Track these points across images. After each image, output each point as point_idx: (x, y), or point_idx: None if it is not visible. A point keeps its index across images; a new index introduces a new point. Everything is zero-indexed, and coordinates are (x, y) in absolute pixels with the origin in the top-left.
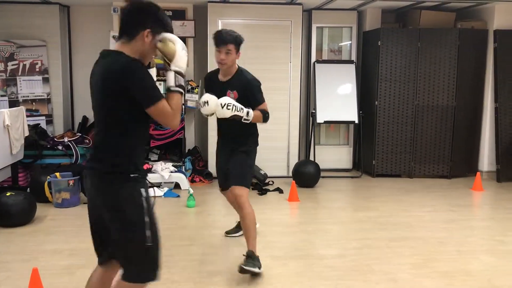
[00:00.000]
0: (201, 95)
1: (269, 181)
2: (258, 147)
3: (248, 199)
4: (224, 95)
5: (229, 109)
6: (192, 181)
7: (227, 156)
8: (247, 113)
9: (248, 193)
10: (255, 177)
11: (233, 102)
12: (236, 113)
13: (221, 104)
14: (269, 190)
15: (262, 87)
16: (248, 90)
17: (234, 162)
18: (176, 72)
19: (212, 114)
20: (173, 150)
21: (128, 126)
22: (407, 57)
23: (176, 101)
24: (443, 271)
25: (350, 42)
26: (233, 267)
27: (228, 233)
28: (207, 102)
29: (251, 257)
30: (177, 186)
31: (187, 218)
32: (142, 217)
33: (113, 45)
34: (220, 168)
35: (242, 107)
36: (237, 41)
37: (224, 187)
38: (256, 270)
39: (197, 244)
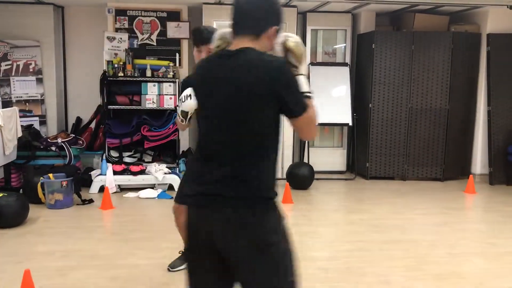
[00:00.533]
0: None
1: None
2: None
3: None
4: None
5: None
6: None
7: None
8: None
9: None
10: None
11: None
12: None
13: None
14: None
15: None
16: None
17: None
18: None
19: (192, 113)
20: (167, 152)
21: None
22: (401, 60)
23: (315, 109)
24: (435, 274)
25: (345, 44)
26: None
27: None
28: (190, 96)
29: None
30: (171, 187)
31: None
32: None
33: (107, 46)
34: None
35: None
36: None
37: None
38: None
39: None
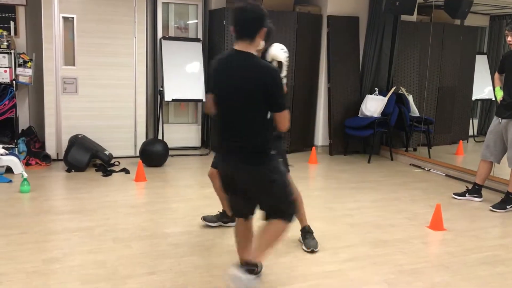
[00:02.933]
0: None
1: (114, 162)
2: (106, 126)
3: None
4: None
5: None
6: (27, 164)
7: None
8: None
9: None
10: (99, 157)
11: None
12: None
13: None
14: (114, 171)
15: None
16: None
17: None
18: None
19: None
20: (3, 131)
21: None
22: None
23: (288, 112)
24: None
25: (196, 20)
26: (73, 253)
27: (205, 219)
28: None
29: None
30: (9, 170)
31: (20, 204)
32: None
33: None
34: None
35: None
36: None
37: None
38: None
39: (31, 232)
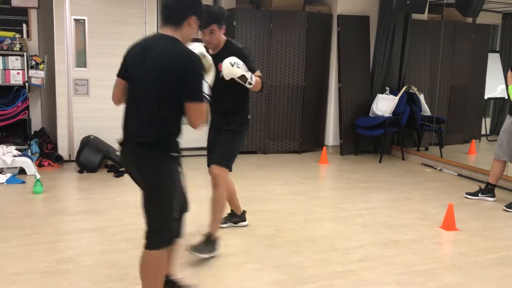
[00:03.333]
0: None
1: None
2: (118, 127)
3: (225, 181)
4: (216, 67)
5: (239, 67)
6: (40, 165)
7: (216, 134)
8: (251, 76)
9: (227, 175)
10: (111, 158)
11: (240, 61)
12: (244, 73)
13: (230, 63)
14: (126, 172)
15: (251, 57)
16: (241, 58)
17: (221, 141)
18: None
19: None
20: (16, 133)
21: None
22: (260, 38)
23: (206, 106)
24: (292, 240)
25: None
26: (85, 253)
27: None
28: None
29: (207, 241)
30: (22, 171)
31: (33, 205)
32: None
33: None
34: (208, 144)
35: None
36: (220, 19)
37: (208, 164)
38: (203, 255)
39: (44, 232)
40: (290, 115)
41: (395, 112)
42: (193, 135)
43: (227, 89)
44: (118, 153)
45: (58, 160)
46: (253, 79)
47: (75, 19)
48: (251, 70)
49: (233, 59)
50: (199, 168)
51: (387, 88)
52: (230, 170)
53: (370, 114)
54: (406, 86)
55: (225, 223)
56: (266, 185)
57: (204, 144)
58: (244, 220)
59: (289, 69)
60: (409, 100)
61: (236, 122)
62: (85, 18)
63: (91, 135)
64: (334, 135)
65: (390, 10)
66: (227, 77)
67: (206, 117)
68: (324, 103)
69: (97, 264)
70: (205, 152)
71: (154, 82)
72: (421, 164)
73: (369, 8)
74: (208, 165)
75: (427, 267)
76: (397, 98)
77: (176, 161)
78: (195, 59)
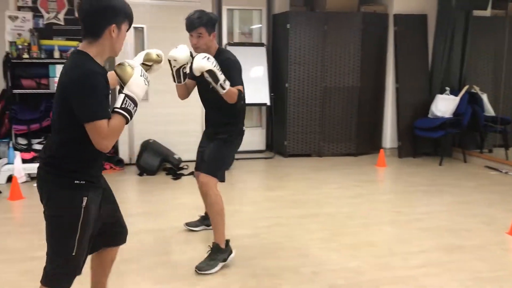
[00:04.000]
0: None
1: (183, 165)
2: (175, 131)
3: (216, 188)
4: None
5: (209, 61)
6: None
7: (207, 141)
8: (225, 80)
9: (216, 183)
10: (169, 161)
11: (214, 60)
12: (215, 70)
13: (202, 56)
14: (183, 175)
15: (239, 69)
16: (225, 68)
17: (209, 149)
18: (127, 96)
19: (180, 63)
20: None
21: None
22: (315, 40)
23: (115, 123)
24: (349, 244)
25: (261, 25)
26: (146, 254)
27: (188, 224)
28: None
29: (215, 251)
30: None
31: None
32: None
33: (10, 26)
34: (197, 151)
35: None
36: (208, 23)
37: (196, 170)
38: (211, 271)
39: None
40: (345, 117)
41: (456, 113)
42: (246, 138)
43: (215, 99)
44: (176, 156)
45: (119, 163)
46: (227, 84)
47: (134, 27)
48: (232, 81)
49: (207, 55)
50: (254, 171)
51: (447, 88)
52: (221, 180)
53: (429, 115)
54: (467, 86)
55: (197, 225)
56: (322, 188)
57: (257, 146)
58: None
59: (344, 71)
60: (471, 100)
61: (226, 132)
62: (144, 26)
63: (151, 139)
64: (392, 137)
65: (450, 8)
66: (196, 71)
67: (116, 136)
68: (381, 104)
69: (156, 265)
70: (258, 155)
71: (55, 104)
72: (485, 166)
73: (427, 6)
74: (196, 170)
75: (495, 274)
76: (458, 98)
77: (83, 189)
78: (80, 74)
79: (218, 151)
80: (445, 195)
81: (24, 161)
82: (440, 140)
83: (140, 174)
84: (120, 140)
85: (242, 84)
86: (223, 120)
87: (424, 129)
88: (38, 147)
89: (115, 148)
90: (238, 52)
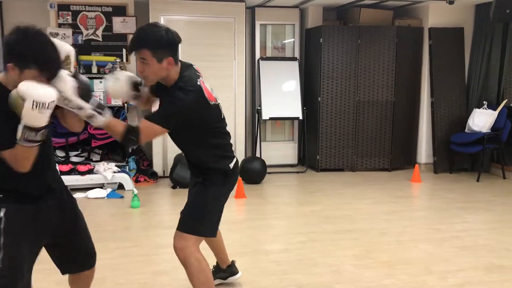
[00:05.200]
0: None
1: None
2: None
3: (197, 252)
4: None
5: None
6: (136, 181)
7: (192, 185)
8: (99, 108)
9: (197, 243)
10: None
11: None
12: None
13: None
14: None
15: (174, 109)
16: (168, 96)
17: (188, 198)
18: (25, 127)
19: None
20: (116, 150)
21: None
22: (348, 54)
23: (14, 153)
24: (383, 261)
25: (293, 39)
26: (180, 266)
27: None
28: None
29: None
30: (121, 186)
31: (131, 219)
32: None
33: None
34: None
35: (98, 101)
36: (154, 45)
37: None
38: None
39: (142, 245)
40: (379, 131)
41: (494, 128)
42: (278, 152)
43: (175, 139)
44: None
45: (153, 176)
46: (107, 113)
47: None
48: (153, 114)
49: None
50: (286, 185)
51: (484, 102)
52: (211, 235)
53: (466, 130)
54: (506, 100)
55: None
56: (355, 204)
57: (289, 160)
58: (235, 273)
59: (378, 85)
60: (510, 115)
61: (202, 174)
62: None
63: None
64: (427, 152)
65: (487, 20)
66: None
67: (25, 162)
68: (416, 119)
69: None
70: (290, 169)
71: None
72: None
73: (463, 19)
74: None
75: None
76: (496, 112)
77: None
78: None
79: (197, 199)
80: (484, 212)
81: (62, 173)
82: (477, 155)
83: (174, 187)
84: (154, 153)
85: (162, 124)
86: (195, 161)
87: (461, 144)
88: (76, 159)
89: (149, 161)
90: (271, 67)
